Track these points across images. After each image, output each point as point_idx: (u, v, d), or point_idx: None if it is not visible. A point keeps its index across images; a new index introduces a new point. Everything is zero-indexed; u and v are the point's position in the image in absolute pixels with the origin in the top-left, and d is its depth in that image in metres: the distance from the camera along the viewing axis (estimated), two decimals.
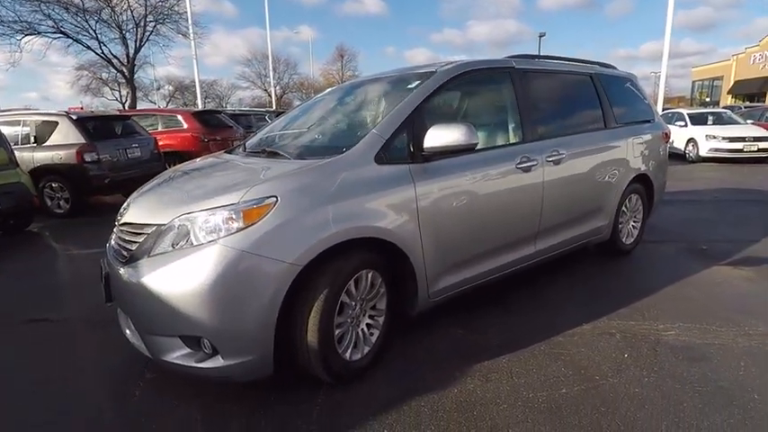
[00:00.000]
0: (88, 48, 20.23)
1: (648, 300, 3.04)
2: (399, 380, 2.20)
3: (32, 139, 6.56)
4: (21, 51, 18.59)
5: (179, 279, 1.81)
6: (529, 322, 2.75)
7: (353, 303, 2.16)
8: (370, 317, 2.31)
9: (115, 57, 21.13)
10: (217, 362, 1.85)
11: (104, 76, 29.22)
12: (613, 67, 4.11)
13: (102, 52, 20.63)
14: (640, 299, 3.05)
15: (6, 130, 6.63)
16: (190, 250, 1.83)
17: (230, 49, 77.53)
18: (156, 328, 1.92)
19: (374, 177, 2.14)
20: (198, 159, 3.03)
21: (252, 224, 1.84)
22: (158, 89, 41.26)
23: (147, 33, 21.15)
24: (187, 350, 1.91)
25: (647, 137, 3.94)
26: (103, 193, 6.92)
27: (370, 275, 2.19)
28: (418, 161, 2.30)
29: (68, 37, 19.40)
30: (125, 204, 2.42)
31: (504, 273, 2.85)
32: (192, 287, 1.78)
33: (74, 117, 6.56)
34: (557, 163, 2.97)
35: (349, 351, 2.14)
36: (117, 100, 34.05)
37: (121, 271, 2.02)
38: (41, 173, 6.44)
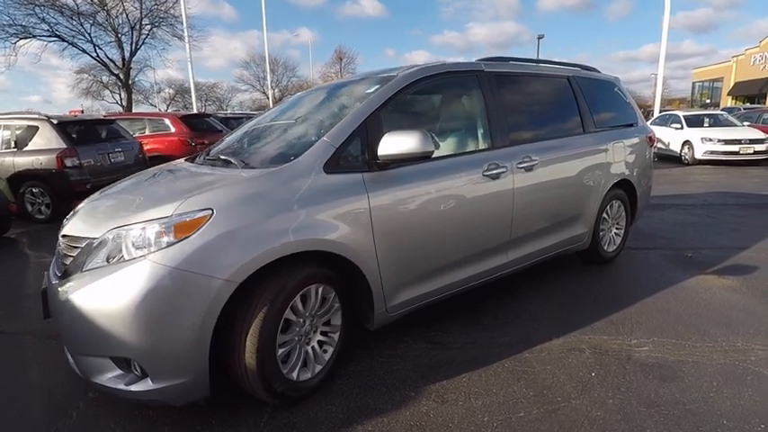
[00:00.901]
0: (83, 51, 20.22)
1: (625, 312, 2.92)
2: (351, 400, 2.08)
3: (13, 143, 6.47)
4: (16, 55, 18.60)
5: (106, 296, 1.70)
6: (498, 337, 2.63)
7: (301, 320, 2.04)
8: (323, 333, 2.19)
9: (111, 60, 21.11)
10: (146, 385, 1.73)
11: (105, 79, 29.15)
12: (595, 70, 4.00)
13: (98, 56, 20.63)
14: (617, 311, 2.93)
15: None
16: (119, 266, 1.72)
17: (230, 52, 77.65)
18: (85, 349, 1.81)
19: (322, 187, 2.03)
20: (154, 167, 2.92)
21: (184, 238, 1.72)
22: (159, 92, 41.21)
23: (143, 37, 21.12)
24: (118, 371, 1.80)
25: (630, 141, 3.83)
26: (85, 198, 6.82)
27: (320, 290, 2.08)
28: (373, 170, 2.19)
29: (63, 40, 19.40)
30: (69, 215, 2.31)
31: (473, 284, 2.74)
32: (119, 305, 1.67)
33: (54, 121, 6.46)
34: (528, 169, 2.85)
35: (296, 371, 2.03)
36: (117, 103, 33.97)
37: (56, 286, 1.91)
38: (22, 178, 6.35)
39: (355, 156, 2.18)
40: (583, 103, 3.49)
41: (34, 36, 18.57)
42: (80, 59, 22.26)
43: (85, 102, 33.77)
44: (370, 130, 2.21)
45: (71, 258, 1.92)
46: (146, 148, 8.37)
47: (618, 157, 3.65)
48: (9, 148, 6.48)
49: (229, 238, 1.77)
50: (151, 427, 1.95)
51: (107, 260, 1.78)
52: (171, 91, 42.83)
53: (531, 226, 3.00)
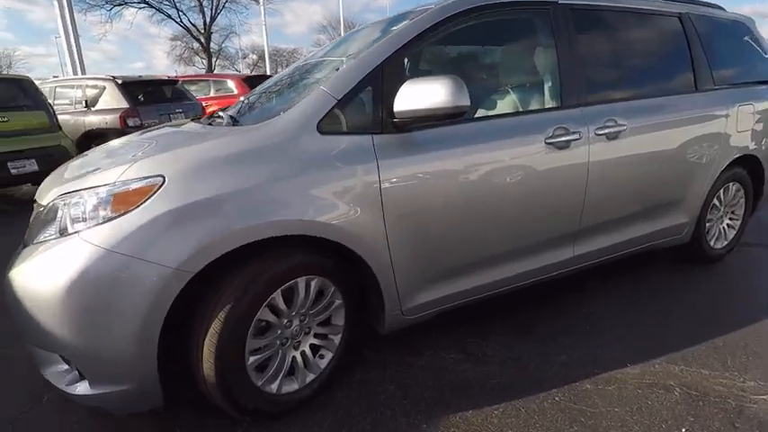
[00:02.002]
0: (168, 17, 21.23)
1: (736, 336, 2.15)
2: (344, 422, 1.65)
3: (85, 103, 6.73)
4: (111, 22, 19.94)
5: (38, 279, 1.39)
6: (550, 354, 2.04)
7: (285, 321, 1.62)
8: (319, 336, 1.76)
9: (193, 25, 21.97)
10: (85, 388, 1.43)
11: (195, 45, 30.58)
12: (720, 8, 3.02)
13: (181, 21, 21.53)
14: (724, 334, 2.17)
15: (63, 95, 6.92)
16: (53, 243, 1.40)
17: (310, 17, 78.51)
18: (26, 336, 1.53)
19: (313, 152, 1.54)
20: (164, 124, 2.61)
21: (125, 212, 1.35)
22: (244, 58, 42.54)
23: (223, 1, 21.63)
24: (64, 366, 1.51)
25: (763, 104, 2.87)
26: None
27: (313, 284, 1.63)
28: (388, 131, 1.65)
29: (151, 6, 20.47)
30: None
31: (524, 284, 2.15)
32: (47, 291, 1.35)
33: (119, 82, 6.59)
34: (612, 137, 2.13)
35: (277, 382, 1.62)
36: (205, 68, 35.69)
37: (14, 260, 1.65)
38: (92, 136, 6.60)
39: (363, 112, 1.66)
40: (698, 50, 2.61)
41: (126, 3, 19.75)
42: (169, 26, 23.45)
43: (179, 68, 35.75)
44: (386, 78, 1.66)
45: (27, 227, 1.65)
46: (210, 109, 8.42)
47: (743, 124, 2.73)
48: (82, 107, 6.75)
49: (182, 214, 1.36)
50: (109, 428, 1.68)
51: (60, 233, 1.46)
52: (255, 56, 44.05)
53: (610, 213, 2.30)
